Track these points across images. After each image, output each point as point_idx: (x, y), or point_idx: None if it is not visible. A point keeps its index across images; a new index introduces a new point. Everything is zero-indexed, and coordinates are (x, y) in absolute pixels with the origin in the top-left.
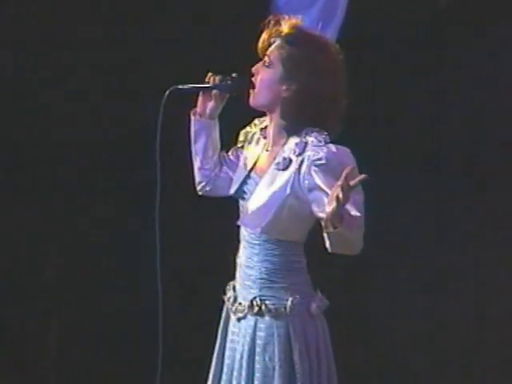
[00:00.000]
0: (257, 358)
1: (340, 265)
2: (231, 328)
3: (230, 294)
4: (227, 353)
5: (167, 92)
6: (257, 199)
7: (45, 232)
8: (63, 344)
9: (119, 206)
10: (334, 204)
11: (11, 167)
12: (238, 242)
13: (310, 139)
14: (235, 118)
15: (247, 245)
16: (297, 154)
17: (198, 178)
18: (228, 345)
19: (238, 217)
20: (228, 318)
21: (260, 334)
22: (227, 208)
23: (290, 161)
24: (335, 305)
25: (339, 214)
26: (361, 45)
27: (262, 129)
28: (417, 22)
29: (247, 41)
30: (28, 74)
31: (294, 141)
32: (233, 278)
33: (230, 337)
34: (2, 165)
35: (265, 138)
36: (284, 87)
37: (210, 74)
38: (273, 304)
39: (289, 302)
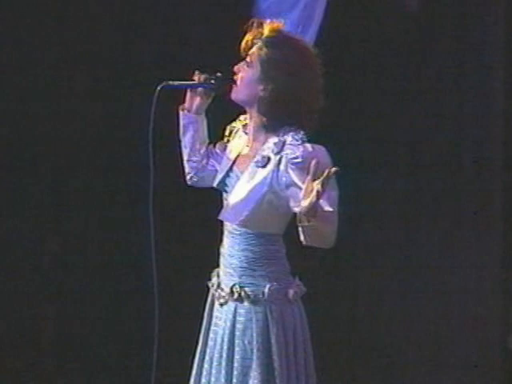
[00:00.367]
0: (236, 341)
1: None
2: (215, 313)
3: (214, 280)
4: (211, 335)
5: (159, 88)
6: (237, 194)
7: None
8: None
9: (112, 195)
10: (309, 199)
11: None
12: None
13: (288, 139)
14: (225, 114)
15: (229, 235)
16: (275, 152)
17: (186, 169)
18: (212, 328)
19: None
20: (213, 303)
21: (240, 318)
22: (214, 198)
23: (269, 159)
24: (315, 291)
25: (314, 208)
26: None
27: (244, 125)
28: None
29: (234, 41)
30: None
31: (272, 140)
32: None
33: (213, 321)
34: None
35: (246, 133)
36: (261, 87)
37: (197, 72)
38: (251, 291)
39: (266, 289)
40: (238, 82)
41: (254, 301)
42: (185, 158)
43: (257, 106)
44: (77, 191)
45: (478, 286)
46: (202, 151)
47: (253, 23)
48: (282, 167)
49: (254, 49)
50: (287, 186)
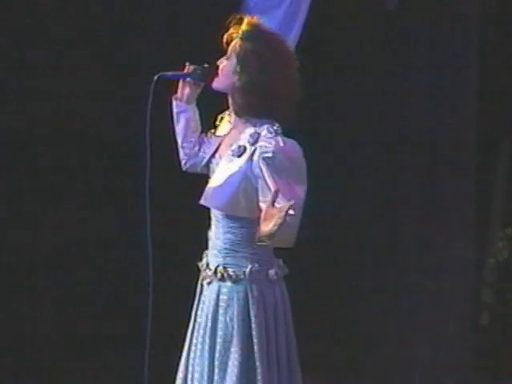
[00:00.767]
0: (220, 318)
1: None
2: (204, 291)
3: (204, 260)
4: (199, 312)
5: (155, 77)
6: (216, 179)
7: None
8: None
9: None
10: (268, 228)
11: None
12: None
13: (263, 131)
14: (217, 103)
15: (214, 218)
16: (251, 143)
17: (180, 155)
18: (200, 305)
19: None
20: (202, 283)
21: (222, 297)
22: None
23: (245, 149)
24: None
25: (272, 235)
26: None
27: (229, 114)
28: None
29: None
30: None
31: (249, 131)
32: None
33: (202, 299)
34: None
35: (230, 121)
36: (236, 78)
37: (187, 63)
38: (234, 271)
39: (248, 270)
40: (219, 73)
41: (236, 281)
42: (178, 144)
43: (233, 96)
44: (77, 191)
45: (452, 268)
46: (193, 139)
47: (234, 19)
48: (255, 158)
49: (233, 42)
50: (258, 178)
